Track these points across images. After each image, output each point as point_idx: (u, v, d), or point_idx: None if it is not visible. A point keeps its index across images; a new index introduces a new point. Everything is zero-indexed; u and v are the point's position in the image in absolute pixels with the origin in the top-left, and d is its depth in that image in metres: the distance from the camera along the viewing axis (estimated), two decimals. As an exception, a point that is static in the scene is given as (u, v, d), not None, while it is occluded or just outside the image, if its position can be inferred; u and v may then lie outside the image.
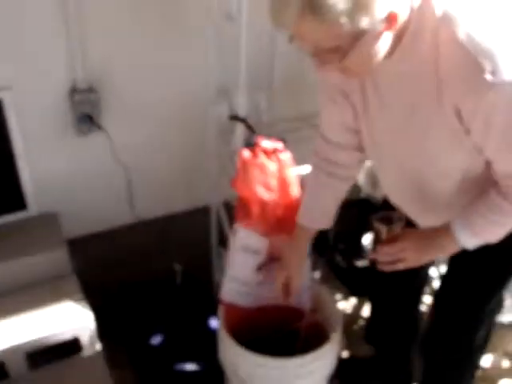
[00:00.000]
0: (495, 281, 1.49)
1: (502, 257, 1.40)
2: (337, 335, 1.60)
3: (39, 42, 1.69)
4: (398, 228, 1.34)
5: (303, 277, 1.61)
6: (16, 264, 1.79)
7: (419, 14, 0.99)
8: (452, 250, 1.26)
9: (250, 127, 1.68)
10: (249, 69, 1.67)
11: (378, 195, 2.02)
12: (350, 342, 2.16)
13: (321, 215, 1.46)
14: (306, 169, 1.66)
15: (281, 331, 1.71)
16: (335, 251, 2.21)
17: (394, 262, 1.30)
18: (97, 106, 1.81)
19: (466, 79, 0.98)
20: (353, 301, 2.28)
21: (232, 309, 1.66)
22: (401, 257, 1.29)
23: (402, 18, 0.97)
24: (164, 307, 2.15)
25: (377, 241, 1.34)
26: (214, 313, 2.07)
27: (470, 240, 1.22)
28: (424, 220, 1.38)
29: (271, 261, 1.64)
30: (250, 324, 1.66)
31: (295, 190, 1.58)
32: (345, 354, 2.09)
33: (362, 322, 2.19)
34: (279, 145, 1.57)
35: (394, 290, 1.79)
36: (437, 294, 1.66)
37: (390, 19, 0.95)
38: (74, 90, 1.77)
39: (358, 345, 2.08)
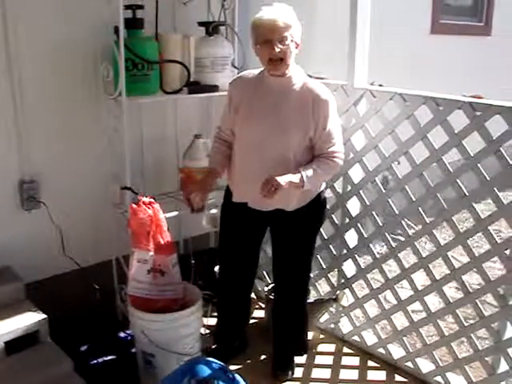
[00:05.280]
0: (307, 244, 2.65)
1: (306, 231, 2.61)
2: (198, 303, 2.66)
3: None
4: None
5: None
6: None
7: (295, 66, 2.38)
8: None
9: (134, 192, 2.80)
10: (131, 161, 2.81)
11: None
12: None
13: (218, 163, 2.60)
14: (168, 215, 2.84)
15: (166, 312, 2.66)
16: (196, 277, 3.29)
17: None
18: (38, 191, 2.81)
19: (317, 99, 2.34)
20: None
21: (135, 299, 2.64)
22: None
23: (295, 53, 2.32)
24: (87, 327, 2.99)
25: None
26: (120, 329, 3.09)
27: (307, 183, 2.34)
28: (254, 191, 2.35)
29: (155, 269, 2.71)
30: (147, 309, 2.61)
31: (164, 225, 2.69)
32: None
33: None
34: (152, 200, 2.67)
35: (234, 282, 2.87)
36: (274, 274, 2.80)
37: (297, 45, 2.32)
38: (22, 182, 2.79)
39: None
